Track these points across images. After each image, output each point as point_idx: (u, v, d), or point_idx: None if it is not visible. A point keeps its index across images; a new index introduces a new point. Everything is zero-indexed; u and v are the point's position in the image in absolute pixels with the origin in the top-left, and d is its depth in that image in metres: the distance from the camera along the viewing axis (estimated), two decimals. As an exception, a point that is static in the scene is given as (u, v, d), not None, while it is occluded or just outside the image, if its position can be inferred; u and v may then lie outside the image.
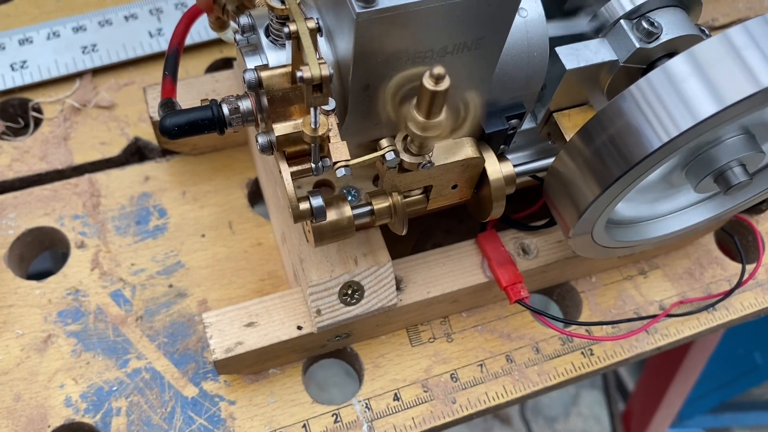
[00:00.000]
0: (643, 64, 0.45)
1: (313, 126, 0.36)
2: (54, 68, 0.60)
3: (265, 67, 0.38)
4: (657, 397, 1.24)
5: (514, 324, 0.55)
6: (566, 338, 0.55)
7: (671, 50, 0.44)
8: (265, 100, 0.38)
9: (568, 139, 0.46)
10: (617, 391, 1.42)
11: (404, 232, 0.42)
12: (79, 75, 0.61)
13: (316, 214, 0.39)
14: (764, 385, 1.38)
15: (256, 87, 0.38)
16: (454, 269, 0.51)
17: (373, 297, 0.47)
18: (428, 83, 0.33)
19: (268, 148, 0.40)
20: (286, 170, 0.39)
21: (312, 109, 0.35)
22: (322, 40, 0.39)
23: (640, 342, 0.55)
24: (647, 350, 0.55)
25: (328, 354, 0.53)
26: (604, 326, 0.55)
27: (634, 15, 0.44)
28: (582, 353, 0.55)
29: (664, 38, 0.43)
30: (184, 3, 0.65)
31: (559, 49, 0.43)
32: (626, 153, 0.37)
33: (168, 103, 0.42)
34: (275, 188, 0.52)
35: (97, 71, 0.62)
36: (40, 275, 0.53)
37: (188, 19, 0.48)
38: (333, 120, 0.37)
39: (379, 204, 0.42)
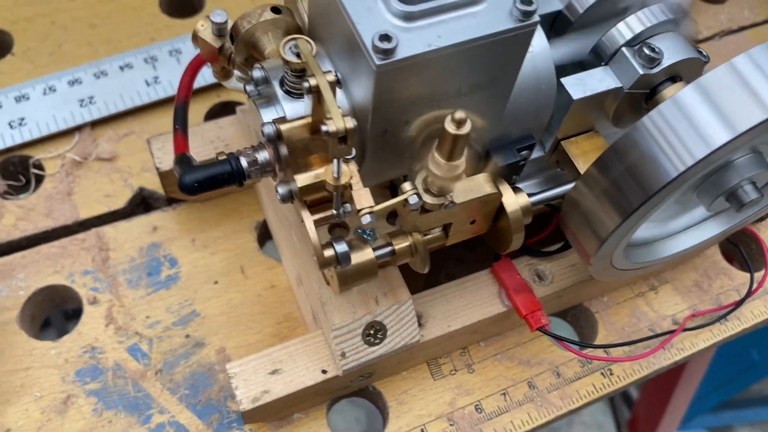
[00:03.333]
0: (646, 89, 0.45)
1: (335, 175, 0.36)
2: (53, 123, 0.60)
3: (283, 119, 0.38)
4: (662, 402, 1.25)
5: (532, 350, 0.56)
6: (585, 360, 0.55)
7: (673, 74, 0.45)
8: (283, 151, 0.38)
9: (577, 165, 0.47)
10: (621, 399, 1.43)
11: (426, 270, 0.43)
12: (78, 128, 0.61)
13: (341, 260, 0.39)
14: (763, 381, 1.39)
15: (275, 139, 0.38)
16: (472, 301, 0.51)
17: (396, 335, 0.47)
18: (450, 128, 0.33)
19: (288, 198, 0.40)
20: (309, 219, 0.39)
21: (335, 160, 0.35)
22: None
23: (657, 358, 0.56)
24: (665, 365, 0.56)
25: (350, 393, 0.53)
26: (624, 348, 0.56)
27: (635, 42, 0.45)
28: (602, 374, 0.55)
29: (665, 63, 0.44)
30: (178, 50, 0.65)
31: (564, 80, 0.44)
32: (644, 183, 0.38)
33: (184, 159, 0.42)
34: (289, 232, 0.52)
35: (96, 123, 0.62)
36: (49, 333, 0.53)
37: (193, 71, 0.48)
38: (354, 167, 0.37)
39: (400, 244, 0.42)
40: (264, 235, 0.59)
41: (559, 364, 0.55)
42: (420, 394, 0.53)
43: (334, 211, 0.39)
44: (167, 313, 0.54)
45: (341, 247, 0.39)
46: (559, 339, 0.50)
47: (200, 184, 0.39)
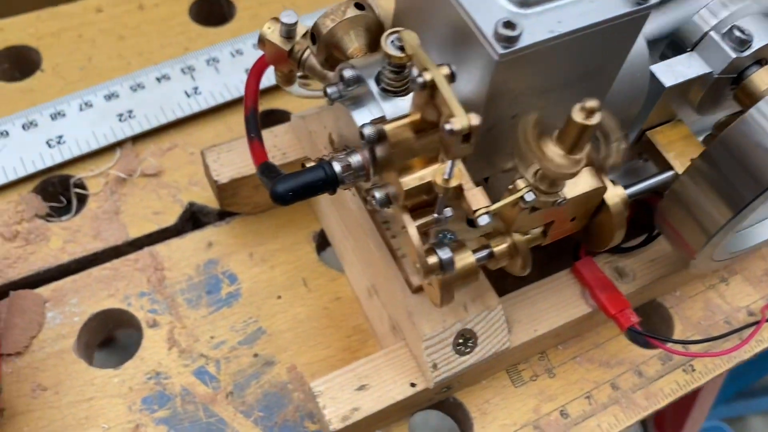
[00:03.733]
0: (734, 73, 0.44)
1: (446, 176, 0.34)
2: (93, 140, 0.57)
3: (383, 119, 0.36)
4: (689, 397, 1.23)
5: (611, 350, 0.54)
6: (666, 357, 0.54)
7: (760, 57, 0.44)
8: (380, 153, 0.36)
9: (667, 156, 0.45)
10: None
11: (527, 272, 0.41)
12: (119, 144, 0.58)
13: (445, 266, 0.37)
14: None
15: (374, 141, 0.36)
16: (556, 303, 0.49)
17: (486, 343, 0.45)
18: (579, 117, 0.31)
19: (386, 203, 0.38)
20: (412, 225, 0.37)
21: (450, 160, 0.33)
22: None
23: (737, 351, 0.54)
24: (745, 358, 0.55)
25: (430, 406, 0.51)
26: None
27: (722, 26, 0.43)
28: (683, 370, 0.54)
29: (756, 46, 0.43)
30: (216, 59, 0.63)
31: (653, 68, 0.43)
32: (758, 175, 0.36)
33: (269, 168, 0.40)
34: (354, 241, 0.50)
35: (137, 138, 0.59)
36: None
37: (257, 75, 0.46)
38: (462, 167, 0.35)
39: (498, 246, 0.40)
40: (321, 246, 0.57)
41: (639, 363, 0.53)
42: (502, 402, 0.51)
43: (436, 215, 0.37)
44: (232, 332, 0.52)
45: (445, 253, 0.37)
46: (653, 338, 0.48)
47: (294, 193, 0.37)
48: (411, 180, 0.35)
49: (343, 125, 0.40)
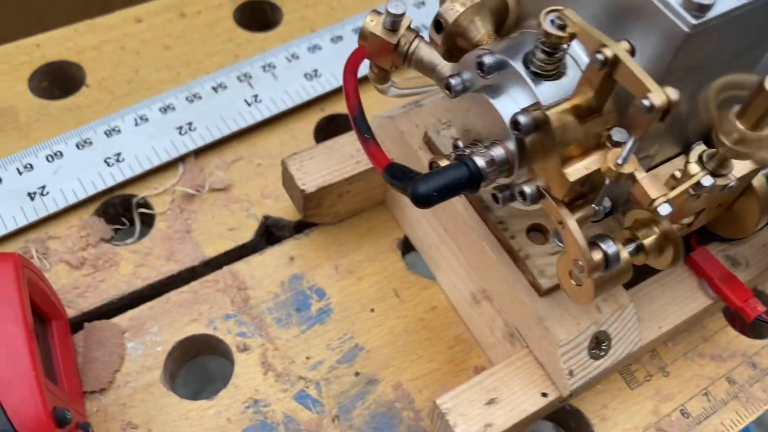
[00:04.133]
0: None
1: (620, 161, 0.31)
2: (154, 156, 0.53)
3: (538, 106, 0.33)
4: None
5: (720, 343, 0.51)
6: (777, 347, 0.51)
7: None
8: (529, 144, 0.33)
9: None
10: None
11: (678, 264, 0.38)
12: (182, 159, 0.54)
13: (611, 261, 0.34)
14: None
15: (531, 131, 0.33)
16: (675, 297, 0.46)
17: (619, 344, 0.42)
18: (774, 89, 0.29)
19: (537, 198, 0.35)
20: (573, 221, 0.34)
21: (629, 142, 0.30)
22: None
23: None
24: None
25: (546, 417, 0.48)
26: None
27: None
28: (797, 359, 0.51)
29: None
30: (272, 65, 0.59)
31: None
32: None
33: (399, 169, 0.36)
34: (462, 245, 0.46)
35: (199, 152, 0.55)
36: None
37: (354, 72, 0.43)
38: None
39: (648, 237, 0.37)
40: (408, 254, 0.54)
41: (751, 354, 0.51)
42: (620, 406, 0.48)
43: (596, 207, 0.34)
44: (328, 350, 0.48)
45: (610, 247, 0.34)
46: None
47: (439, 192, 0.33)
48: (576, 170, 0.32)
49: (476, 117, 0.37)
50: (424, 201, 0.34)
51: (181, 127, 0.55)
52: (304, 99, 0.58)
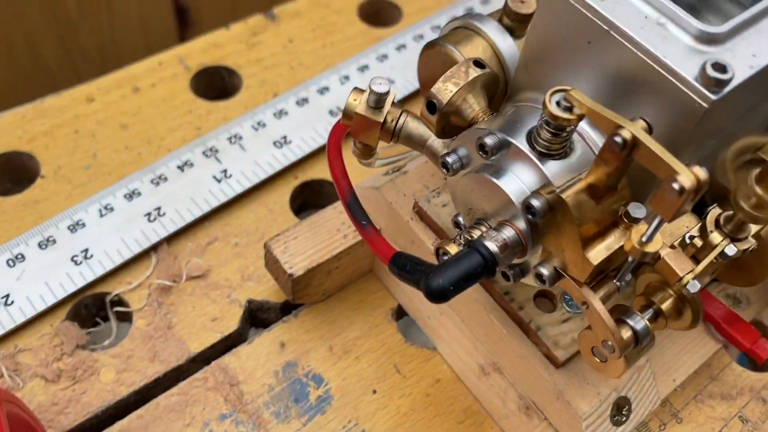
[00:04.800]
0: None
1: (645, 239, 0.30)
2: (124, 248, 0.50)
3: (549, 187, 0.31)
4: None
5: (727, 381, 0.51)
6: (783, 378, 0.51)
7: None
8: (541, 224, 0.32)
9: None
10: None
11: (698, 326, 0.37)
12: (153, 248, 0.51)
13: (641, 338, 0.33)
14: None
15: (544, 214, 0.31)
16: (684, 345, 0.46)
17: (640, 407, 0.41)
18: (794, 156, 0.28)
19: (556, 279, 0.33)
20: (598, 301, 0.32)
21: (655, 221, 0.29)
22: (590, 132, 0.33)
23: None
24: None
25: (567, 482, 0.46)
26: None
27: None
28: (802, 389, 0.51)
29: None
30: (238, 136, 0.57)
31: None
32: None
33: (408, 260, 0.34)
34: (465, 316, 0.45)
35: (171, 238, 0.52)
36: None
37: (337, 151, 0.41)
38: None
39: (664, 302, 0.36)
40: (404, 324, 0.51)
41: (759, 389, 0.50)
42: (639, 461, 0.47)
43: (617, 283, 0.33)
44: (335, 441, 0.45)
45: (638, 323, 0.33)
46: (792, 365, 0.45)
47: (456, 285, 0.32)
48: (598, 252, 0.31)
49: (480, 197, 0.35)
50: (440, 297, 0.31)
51: (149, 214, 0.52)
52: (276, 168, 0.55)
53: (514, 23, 0.40)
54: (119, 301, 0.49)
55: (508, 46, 0.39)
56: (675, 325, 0.37)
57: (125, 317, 0.49)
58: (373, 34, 0.67)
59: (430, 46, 0.41)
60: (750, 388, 0.50)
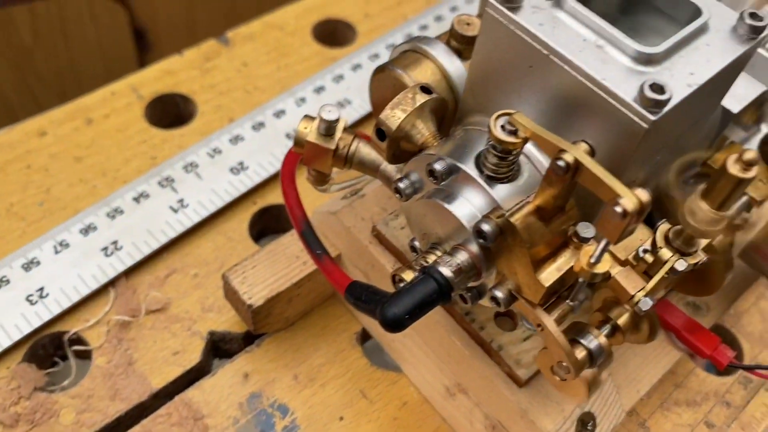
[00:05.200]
0: (782, 84, 0.43)
1: (593, 260, 0.30)
2: (81, 285, 0.49)
3: (499, 211, 0.31)
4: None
5: (692, 387, 0.51)
6: (746, 380, 0.52)
7: (801, 65, 0.43)
8: (493, 248, 0.32)
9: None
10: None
11: (655, 338, 0.37)
12: (112, 283, 0.50)
13: (595, 357, 0.33)
14: None
15: (495, 238, 0.31)
16: (647, 356, 0.46)
17: (605, 421, 0.41)
18: (735, 169, 0.28)
19: (510, 301, 0.33)
20: (552, 322, 0.32)
21: (602, 243, 0.29)
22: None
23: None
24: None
25: (538, 498, 0.46)
26: (773, 355, 0.53)
27: (765, 40, 0.42)
28: (766, 389, 0.52)
29: (802, 54, 0.42)
30: (194, 164, 0.56)
31: (714, 96, 0.41)
32: None
33: (363, 289, 0.34)
34: (429, 338, 0.44)
35: (129, 271, 0.51)
36: None
37: (291, 179, 0.40)
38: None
39: (621, 317, 0.36)
40: (369, 348, 0.51)
41: (723, 393, 0.51)
42: (610, 473, 0.47)
43: (571, 303, 0.33)
44: (303, 472, 0.45)
45: (592, 342, 0.33)
46: (752, 369, 0.45)
47: (411, 313, 0.31)
48: (550, 274, 0.31)
49: (433, 222, 0.35)
50: (396, 326, 0.31)
51: (106, 248, 0.51)
52: (234, 195, 0.55)
53: (462, 45, 0.40)
54: (78, 340, 0.48)
55: (456, 68, 0.39)
56: (633, 339, 0.38)
57: (85, 355, 0.48)
58: (328, 54, 0.66)
59: (379, 70, 0.41)
60: (714, 393, 0.51)
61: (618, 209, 0.26)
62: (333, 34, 0.69)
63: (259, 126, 0.59)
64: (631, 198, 0.26)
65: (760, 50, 0.42)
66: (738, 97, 0.41)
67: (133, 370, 0.47)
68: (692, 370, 0.52)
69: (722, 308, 0.49)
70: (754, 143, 0.48)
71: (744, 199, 0.43)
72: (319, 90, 0.62)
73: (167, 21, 0.99)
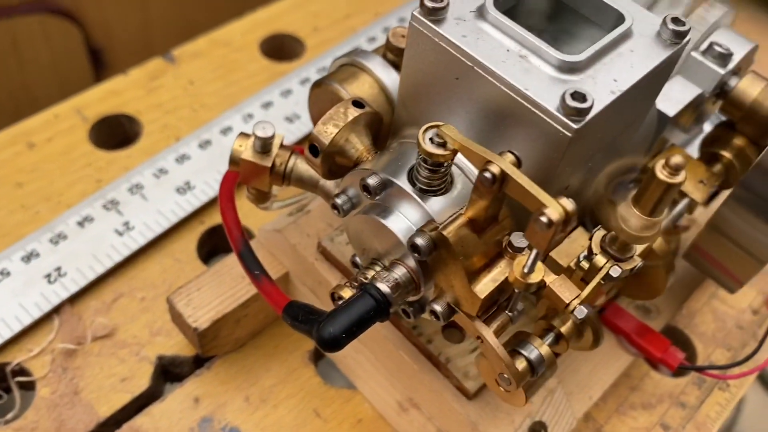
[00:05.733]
0: (718, 89, 0.43)
1: (526, 271, 0.30)
2: (23, 314, 0.48)
3: (432, 224, 0.31)
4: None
5: (647, 390, 0.51)
6: (699, 381, 0.52)
7: (736, 69, 0.43)
8: (430, 261, 0.32)
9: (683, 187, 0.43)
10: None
11: (600, 345, 0.37)
12: (56, 311, 0.49)
13: (536, 367, 0.33)
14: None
15: (430, 251, 0.31)
16: (598, 362, 0.46)
17: (556, 429, 0.41)
18: (663, 174, 0.28)
19: (450, 315, 0.33)
20: (490, 333, 0.32)
21: (532, 253, 0.29)
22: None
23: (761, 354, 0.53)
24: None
25: None
26: (725, 353, 0.53)
27: (698, 44, 0.42)
28: (719, 389, 0.52)
29: (736, 58, 0.42)
30: (139, 185, 0.55)
31: (651, 99, 0.41)
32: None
33: (300, 309, 0.33)
34: (379, 354, 0.44)
35: (74, 298, 0.50)
36: None
37: (231, 200, 0.40)
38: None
39: (564, 324, 0.36)
40: (323, 366, 0.50)
41: (678, 394, 0.51)
42: (567, 480, 0.46)
43: (510, 314, 0.33)
44: (256, 496, 0.44)
45: (532, 352, 0.32)
46: (701, 370, 0.46)
47: (348, 332, 0.31)
48: (485, 286, 0.31)
49: (371, 237, 0.34)
50: (332, 345, 0.31)
51: (49, 275, 0.50)
52: (180, 216, 0.54)
53: (398, 57, 0.40)
54: (21, 371, 0.47)
55: (393, 80, 0.39)
56: (577, 346, 0.38)
57: (28, 386, 0.47)
58: (276, 69, 0.66)
59: (317, 85, 0.40)
60: (669, 395, 0.51)
61: (543, 219, 0.26)
62: (281, 48, 0.69)
63: (205, 144, 0.58)
64: (556, 207, 0.26)
65: (694, 54, 0.42)
66: (674, 100, 0.41)
67: (79, 399, 0.46)
68: (647, 372, 0.52)
69: (672, 309, 0.49)
70: (696, 145, 0.49)
71: (685, 201, 0.43)
72: (267, 105, 0.61)
73: (123, 40, 0.98)
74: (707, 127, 0.48)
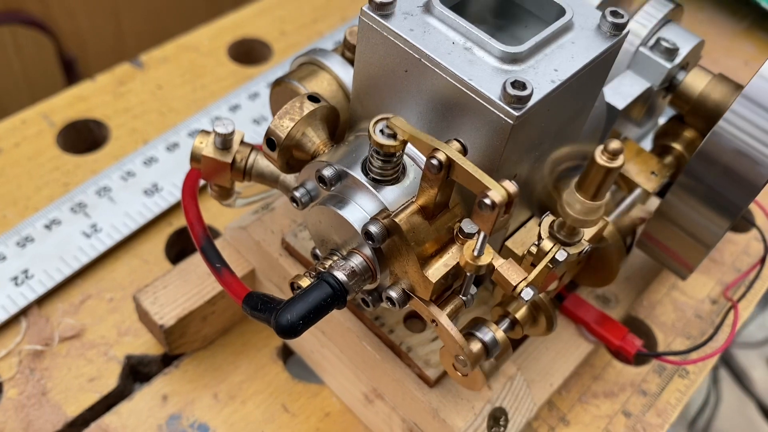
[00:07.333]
0: (667, 83, 0.45)
1: (476, 254, 0.31)
2: (-10, 317, 0.48)
3: (385, 212, 0.32)
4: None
5: (609, 379, 0.52)
6: (660, 368, 0.53)
7: (683, 63, 0.45)
8: (384, 249, 0.32)
9: (631, 176, 0.45)
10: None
11: (553, 331, 0.38)
12: (23, 312, 0.49)
13: (491, 349, 0.34)
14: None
15: (384, 238, 0.32)
16: (558, 350, 0.47)
17: (517, 415, 0.42)
18: (602, 160, 0.30)
19: (405, 300, 0.34)
20: (445, 317, 0.33)
21: (480, 235, 0.30)
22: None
23: (717, 341, 0.55)
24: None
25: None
26: (685, 342, 0.54)
27: (646, 40, 0.44)
28: (679, 376, 0.53)
29: (683, 53, 0.44)
30: (107, 188, 0.55)
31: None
32: (746, 181, 0.36)
33: (259, 299, 0.34)
34: (343, 346, 0.45)
35: (42, 300, 0.50)
36: None
37: (192, 195, 0.40)
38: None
39: (519, 311, 0.37)
40: (292, 361, 0.51)
41: (639, 382, 0.52)
42: (531, 467, 0.47)
43: (463, 298, 0.34)
44: (225, 490, 0.44)
45: (486, 335, 0.33)
46: (659, 356, 0.47)
47: (305, 319, 0.32)
48: (437, 270, 0.32)
49: (328, 227, 0.35)
50: (290, 332, 0.31)
51: (16, 278, 0.50)
52: (148, 218, 0.55)
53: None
54: (-12, 373, 0.47)
55: (350, 77, 0.40)
56: (532, 332, 0.39)
57: (-4, 389, 0.47)
58: (244, 73, 0.67)
59: (277, 83, 0.41)
60: (631, 383, 0.52)
61: (487, 201, 0.27)
62: (249, 53, 0.69)
63: (173, 147, 0.59)
64: (498, 190, 0.27)
65: (642, 50, 0.44)
66: (623, 94, 0.43)
67: (47, 399, 0.46)
68: (609, 362, 0.53)
69: (631, 298, 0.50)
70: (651, 138, 0.50)
71: (638, 191, 0.44)
72: (235, 108, 0.62)
73: (96, 50, 0.98)
74: (662, 121, 0.50)
